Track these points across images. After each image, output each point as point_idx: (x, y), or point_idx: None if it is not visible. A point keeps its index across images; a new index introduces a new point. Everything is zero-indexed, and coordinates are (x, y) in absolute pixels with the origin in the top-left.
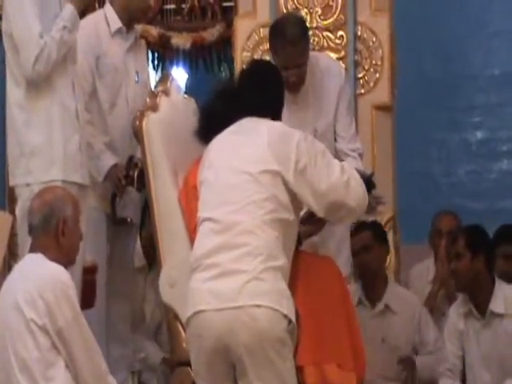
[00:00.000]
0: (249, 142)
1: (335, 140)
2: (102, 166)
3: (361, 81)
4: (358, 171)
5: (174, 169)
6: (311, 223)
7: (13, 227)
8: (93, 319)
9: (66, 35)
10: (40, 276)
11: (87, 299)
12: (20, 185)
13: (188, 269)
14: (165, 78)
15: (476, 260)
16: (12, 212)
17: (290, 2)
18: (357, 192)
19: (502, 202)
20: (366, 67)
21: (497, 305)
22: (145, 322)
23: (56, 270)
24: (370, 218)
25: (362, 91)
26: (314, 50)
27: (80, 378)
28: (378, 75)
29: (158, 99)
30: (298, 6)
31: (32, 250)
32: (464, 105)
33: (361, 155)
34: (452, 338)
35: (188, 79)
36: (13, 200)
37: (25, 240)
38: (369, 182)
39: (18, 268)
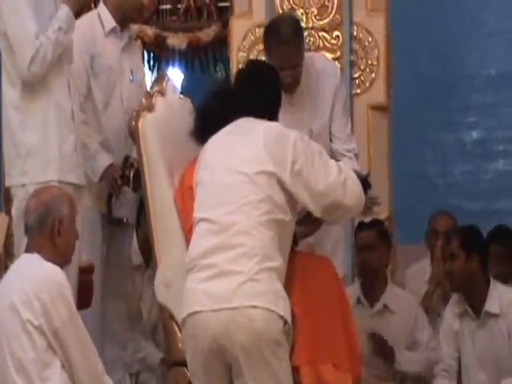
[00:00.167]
0: (245, 142)
1: (331, 140)
2: (97, 166)
3: (357, 81)
4: (354, 171)
5: (170, 169)
6: (307, 224)
7: (9, 228)
8: (88, 319)
9: (62, 36)
10: (36, 276)
11: (83, 299)
12: (16, 185)
13: (183, 269)
14: (160, 79)
15: (470, 260)
16: (8, 212)
17: (286, 2)
18: (354, 192)
19: (498, 203)
20: (362, 67)
21: (492, 305)
22: (141, 321)
23: (52, 270)
24: (367, 219)
25: (358, 91)
26: (309, 50)
27: (76, 378)
28: (373, 75)
29: (153, 99)
30: (294, 6)
31: (28, 249)
32: (460, 105)
33: (356, 155)
34: (447, 339)
35: (184, 79)
36: (9, 200)
37: (20, 240)
38: (364, 183)
39: (14, 268)
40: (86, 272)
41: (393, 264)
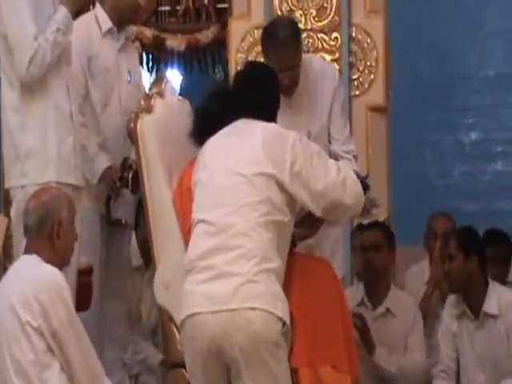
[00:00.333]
0: (243, 143)
1: (329, 142)
2: (96, 168)
3: (355, 82)
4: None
5: (169, 170)
6: (306, 226)
7: (8, 229)
8: (87, 320)
9: (60, 37)
10: (35, 278)
11: (83, 301)
12: (15, 187)
13: (182, 270)
14: (159, 80)
15: (469, 261)
16: (7, 214)
17: (285, 4)
18: (353, 191)
19: (497, 203)
20: (361, 69)
21: (490, 306)
22: (141, 323)
23: (50, 271)
24: (366, 221)
25: (357, 93)
26: (308, 51)
27: (75, 380)
28: (372, 76)
29: (152, 101)
30: (293, 7)
31: (27, 251)
32: (458, 106)
33: (355, 157)
34: (446, 340)
35: (182, 81)
36: (8, 202)
37: (19, 241)
38: (363, 184)
39: (13, 269)
40: (85, 274)
41: (392, 266)
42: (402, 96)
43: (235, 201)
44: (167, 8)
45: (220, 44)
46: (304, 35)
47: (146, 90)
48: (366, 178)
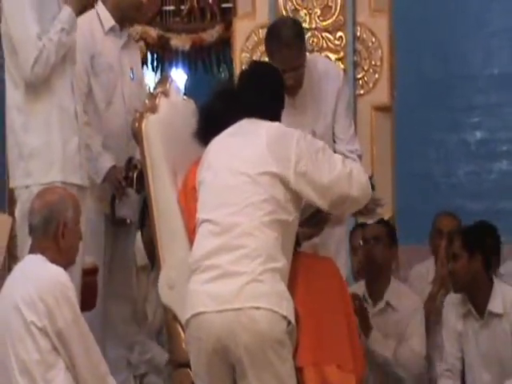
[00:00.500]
0: (247, 143)
1: (334, 142)
2: (100, 167)
3: (360, 81)
4: None
5: (174, 170)
6: (311, 225)
7: (12, 229)
8: (91, 320)
9: (64, 37)
10: (39, 278)
11: (88, 301)
12: (19, 187)
13: (187, 269)
14: (164, 80)
15: (473, 260)
16: (12, 214)
17: (289, 3)
18: (360, 182)
19: (502, 203)
20: (366, 68)
21: (495, 305)
22: (147, 323)
23: (55, 271)
24: (370, 221)
25: (362, 92)
26: (313, 50)
27: (80, 379)
28: (377, 76)
29: (157, 100)
30: (297, 6)
31: (32, 250)
32: (463, 105)
33: (360, 156)
34: (451, 339)
35: (187, 80)
36: (13, 202)
37: (24, 241)
38: None
39: (18, 269)
40: (90, 273)
41: (395, 264)
42: (407, 95)
43: (240, 200)
44: (172, 8)
45: (225, 43)
46: (308, 34)
47: (151, 90)
48: (371, 179)
